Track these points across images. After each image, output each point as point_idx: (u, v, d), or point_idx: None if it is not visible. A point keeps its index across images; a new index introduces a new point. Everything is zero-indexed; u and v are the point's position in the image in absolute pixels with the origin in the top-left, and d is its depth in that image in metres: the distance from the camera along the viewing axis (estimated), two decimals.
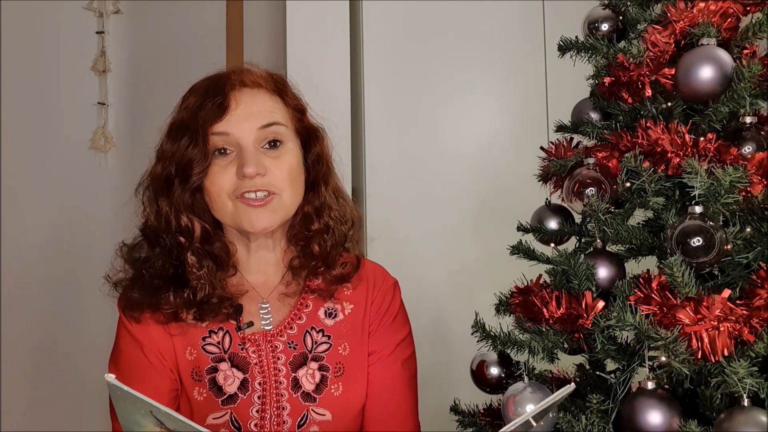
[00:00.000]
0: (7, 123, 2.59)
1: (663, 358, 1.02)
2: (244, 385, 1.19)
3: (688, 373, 1.04)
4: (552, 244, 1.35)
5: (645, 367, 1.08)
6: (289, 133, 1.22)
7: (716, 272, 1.15)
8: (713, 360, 1.00)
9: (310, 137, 1.25)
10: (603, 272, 1.18)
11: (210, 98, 1.18)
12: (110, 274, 1.23)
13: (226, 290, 1.21)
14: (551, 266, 1.23)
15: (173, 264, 1.19)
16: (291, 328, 1.23)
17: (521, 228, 1.40)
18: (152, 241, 1.21)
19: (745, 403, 0.97)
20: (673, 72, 1.17)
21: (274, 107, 1.21)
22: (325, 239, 1.24)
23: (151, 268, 1.20)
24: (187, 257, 1.18)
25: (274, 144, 1.19)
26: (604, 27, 1.31)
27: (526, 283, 1.28)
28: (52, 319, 2.60)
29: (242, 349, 1.21)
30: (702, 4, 1.19)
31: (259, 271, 1.26)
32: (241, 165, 1.15)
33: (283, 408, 1.20)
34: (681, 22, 1.19)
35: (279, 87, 1.23)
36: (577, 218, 1.34)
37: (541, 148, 1.39)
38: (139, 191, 1.23)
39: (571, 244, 1.34)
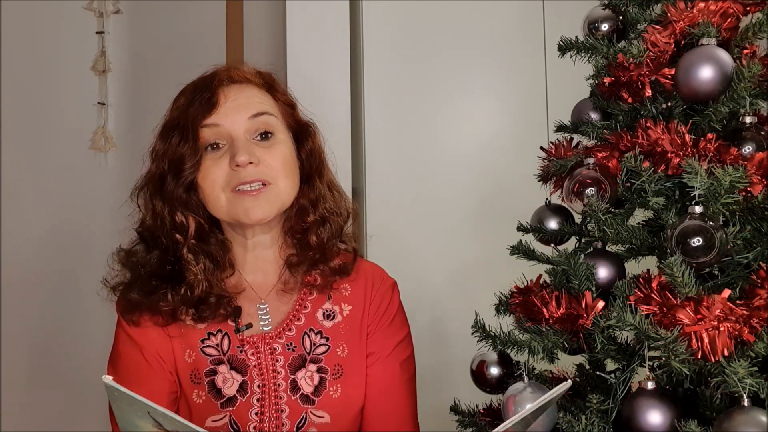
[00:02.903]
0: (7, 123, 2.59)
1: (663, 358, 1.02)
2: (243, 388, 1.19)
3: (688, 373, 1.03)
4: (552, 244, 1.35)
5: (645, 367, 1.08)
6: (280, 125, 1.23)
7: (716, 272, 1.15)
8: (713, 360, 1.00)
9: (302, 132, 1.26)
10: (603, 272, 1.18)
11: (198, 95, 1.19)
12: (108, 279, 1.23)
13: (223, 289, 1.21)
14: (551, 266, 1.23)
15: (170, 261, 1.19)
16: (289, 329, 1.23)
17: (521, 228, 1.39)
18: (149, 242, 1.22)
19: (745, 403, 0.97)
20: (673, 72, 1.17)
21: (263, 99, 1.22)
22: (322, 230, 1.24)
23: (148, 266, 1.20)
24: (183, 254, 1.18)
25: (265, 135, 1.20)
26: (604, 27, 1.31)
27: (526, 283, 1.28)
28: (52, 318, 2.60)
29: (241, 351, 1.20)
30: (702, 4, 1.18)
31: (257, 269, 1.25)
32: (233, 155, 1.16)
33: (282, 410, 1.19)
34: (681, 22, 1.18)
35: (267, 82, 1.25)
36: (577, 218, 1.34)
37: (541, 148, 1.39)
38: (134, 194, 1.23)
39: (571, 244, 1.34)
